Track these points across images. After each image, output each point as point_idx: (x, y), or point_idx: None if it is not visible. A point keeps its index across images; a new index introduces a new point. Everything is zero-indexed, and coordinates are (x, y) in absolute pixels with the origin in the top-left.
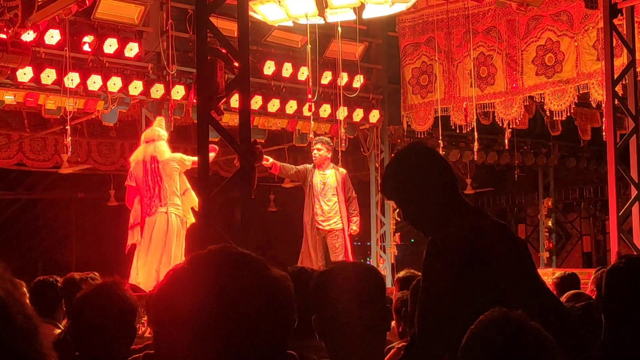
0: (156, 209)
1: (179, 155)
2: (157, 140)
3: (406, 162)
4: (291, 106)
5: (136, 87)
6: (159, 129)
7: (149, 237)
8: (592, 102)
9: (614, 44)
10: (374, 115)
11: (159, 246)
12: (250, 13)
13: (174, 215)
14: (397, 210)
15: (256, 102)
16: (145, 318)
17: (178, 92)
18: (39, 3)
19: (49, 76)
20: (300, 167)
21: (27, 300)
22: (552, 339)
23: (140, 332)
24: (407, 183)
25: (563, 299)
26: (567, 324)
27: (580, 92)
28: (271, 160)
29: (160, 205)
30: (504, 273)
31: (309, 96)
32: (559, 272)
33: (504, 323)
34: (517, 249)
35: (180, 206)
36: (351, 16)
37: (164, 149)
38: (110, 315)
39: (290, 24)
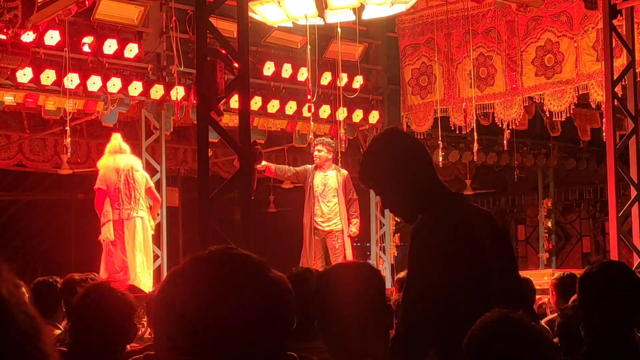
0: (134, 214)
1: (147, 175)
2: (126, 152)
3: (381, 149)
4: (291, 107)
5: (136, 88)
6: (123, 142)
7: (132, 241)
8: (591, 103)
9: (614, 45)
10: (374, 116)
11: (141, 248)
12: (250, 14)
13: (146, 220)
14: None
15: (256, 102)
16: (146, 319)
17: (178, 92)
18: (39, 4)
19: (48, 77)
20: (300, 168)
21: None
22: (552, 339)
23: (140, 332)
24: (383, 169)
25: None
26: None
27: (580, 92)
28: (264, 163)
29: (136, 211)
30: (487, 254)
31: (309, 97)
32: (558, 273)
33: (505, 324)
34: (498, 230)
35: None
36: (351, 17)
37: (137, 162)
38: (108, 315)
39: (289, 24)
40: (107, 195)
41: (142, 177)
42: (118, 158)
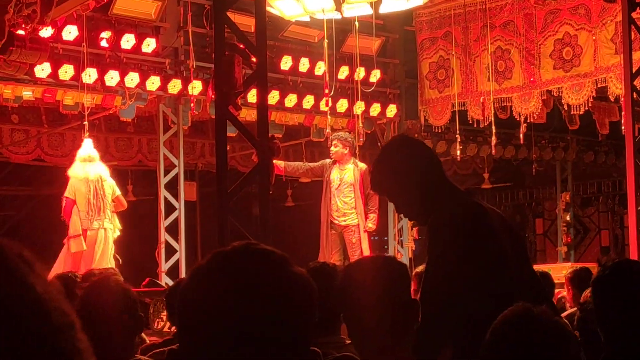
0: (98, 224)
1: (114, 183)
2: (95, 160)
3: (389, 157)
4: (308, 101)
5: (153, 83)
6: (93, 149)
7: (92, 251)
8: (610, 96)
9: (633, 38)
10: (391, 110)
11: (101, 259)
12: (267, 8)
13: (110, 231)
14: None
15: (273, 97)
16: (165, 313)
17: (195, 87)
18: None
19: (66, 72)
20: (316, 163)
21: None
22: (574, 334)
23: (159, 326)
24: (392, 176)
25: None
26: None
27: (599, 85)
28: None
29: (101, 222)
30: (503, 246)
31: (326, 91)
32: (573, 267)
33: (528, 319)
34: (510, 227)
35: (112, 222)
36: (368, 11)
37: (105, 170)
38: (107, 308)
39: (307, 19)
40: (75, 204)
41: (109, 187)
42: (88, 167)
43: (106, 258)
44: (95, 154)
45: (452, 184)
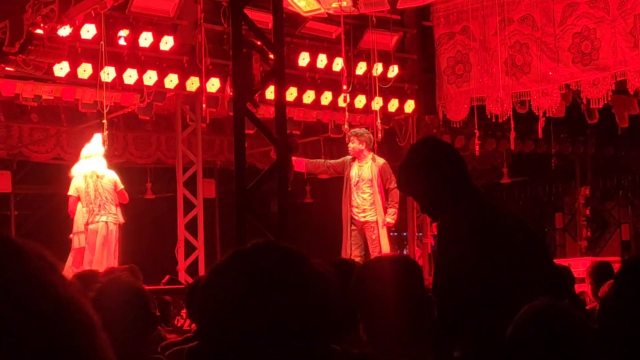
0: (98, 219)
1: (117, 177)
2: (93, 156)
3: (414, 159)
4: (326, 97)
5: (172, 81)
6: (96, 145)
7: (92, 245)
8: (629, 89)
9: None
10: (409, 106)
11: (103, 252)
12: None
13: (112, 224)
14: None
15: (291, 93)
16: (185, 310)
17: (213, 84)
18: None
19: (85, 71)
20: (337, 160)
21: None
22: (593, 329)
23: (179, 324)
24: (417, 178)
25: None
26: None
27: (618, 79)
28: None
29: (100, 216)
30: (518, 246)
31: (344, 87)
32: (594, 262)
33: (551, 313)
34: (526, 227)
35: (116, 214)
36: (385, 6)
37: (101, 165)
38: (119, 308)
39: (324, 15)
40: (79, 200)
41: (110, 181)
42: (88, 164)
43: (110, 253)
44: (95, 150)
45: (474, 185)
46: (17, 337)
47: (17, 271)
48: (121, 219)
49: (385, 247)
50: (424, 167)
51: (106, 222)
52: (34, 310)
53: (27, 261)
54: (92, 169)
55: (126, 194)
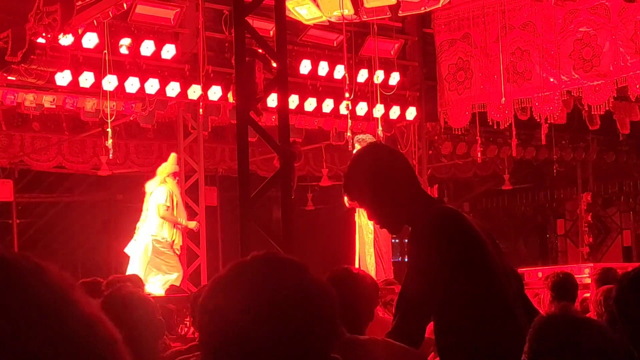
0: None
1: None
2: (158, 175)
3: (360, 163)
4: (328, 105)
5: (173, 89)
6: (165, 165)
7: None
8: (630, 96)
9: None
10: (411, 113)
11: (140, 264)
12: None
13: (147, 239)
14: None
15: (293, 101)
16: (188, 318)
17: (215, 92)
18: (78, 8)
19: (87, 79)
20: None
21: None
22: (615, 337)
23: (182, 332)
24: (363, 183)
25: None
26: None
27: (619, 85)
28: None
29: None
30: (487, 249)
31: (346, 94)
32: (599, 268)
33: (568, 322)
34: (488, 231)
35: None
36: (386, 14)
37: (152, 184)
38: (126, 318)
39: (325, 22)
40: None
41: (154, 199)
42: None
43: (142, 264)
44: (161, 169)
45: (425, 192)
46: (47, 354)
47: (42, 289)
48: (153, 232)
49: (387, 254)
50: (372, 174)
51: (136, 241)
52: (61, 326)
53: (49, 279)
54: (147, 188)
55: (158, 210)
